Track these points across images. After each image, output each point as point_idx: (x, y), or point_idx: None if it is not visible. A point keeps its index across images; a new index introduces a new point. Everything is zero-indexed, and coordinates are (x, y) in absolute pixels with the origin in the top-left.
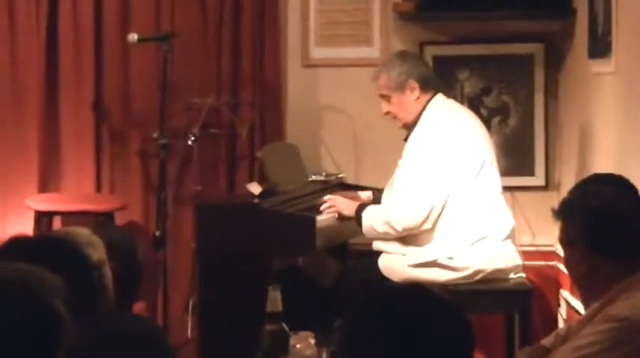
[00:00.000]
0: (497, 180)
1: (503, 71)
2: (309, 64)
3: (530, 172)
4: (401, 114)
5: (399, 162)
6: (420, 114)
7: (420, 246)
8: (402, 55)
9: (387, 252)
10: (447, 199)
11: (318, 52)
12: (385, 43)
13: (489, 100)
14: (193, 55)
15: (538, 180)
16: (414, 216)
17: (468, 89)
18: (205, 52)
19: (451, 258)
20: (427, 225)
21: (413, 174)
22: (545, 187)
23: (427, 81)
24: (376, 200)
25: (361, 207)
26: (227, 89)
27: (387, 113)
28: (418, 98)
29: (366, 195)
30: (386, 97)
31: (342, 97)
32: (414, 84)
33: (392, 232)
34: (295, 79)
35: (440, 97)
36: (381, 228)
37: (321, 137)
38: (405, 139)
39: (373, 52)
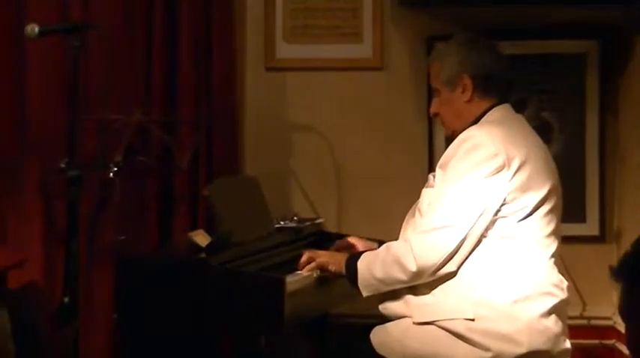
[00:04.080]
0: (552, 237)
1: (544, 78)
2: (274, 67)
3: (580, 218)
4: (448, 119)
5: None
6: (472, 124)
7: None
8: (465, 41)
9: (398, 315)
10: (480, 237)
11: (287, 51)
12: (380, 38)
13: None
14: (114, 55)
15: (590, 228)
16: (437, 247)
17: None
18: (130, 51)
19: (472, 320)
20: (450, 267)
21: (442, 194)
22: (600, 238)
23: (488, 82)
24: None
25: (353, 257)
26: (160, 102)
27: (436, 115)
28: (470, 100)
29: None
30: (437, 92)
31: (319, 113)
32: (467, 81)
33: (400, 276)
34: (255, 88)
35: (505, 109)
36: (382, 272)
37: (291, 168)
38: None
39: (363, 50)
